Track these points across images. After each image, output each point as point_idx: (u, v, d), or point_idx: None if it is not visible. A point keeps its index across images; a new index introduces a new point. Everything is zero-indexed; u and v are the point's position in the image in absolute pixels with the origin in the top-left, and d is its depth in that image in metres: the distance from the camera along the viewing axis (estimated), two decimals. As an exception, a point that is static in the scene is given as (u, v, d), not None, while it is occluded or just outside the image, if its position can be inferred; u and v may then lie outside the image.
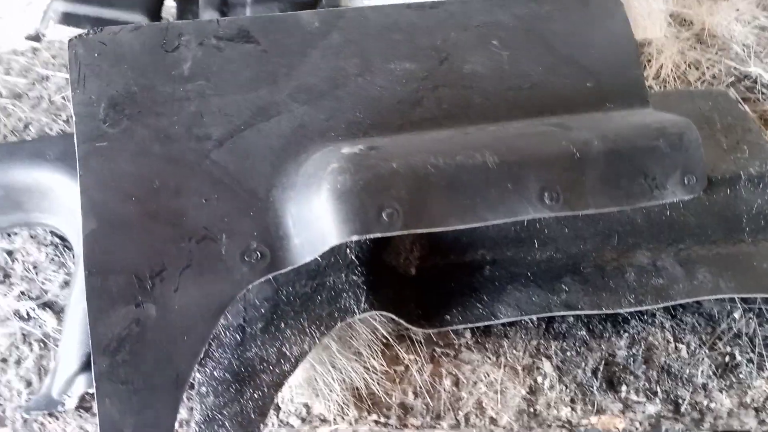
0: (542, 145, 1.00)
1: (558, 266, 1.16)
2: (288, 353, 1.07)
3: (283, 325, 1.09)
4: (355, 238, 0.91)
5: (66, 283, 1.27)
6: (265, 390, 1.05)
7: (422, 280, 1.18)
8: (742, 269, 1.13)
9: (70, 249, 1.30)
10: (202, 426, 1.03)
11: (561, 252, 1.17)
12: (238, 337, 1.10)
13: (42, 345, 1.22)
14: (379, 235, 0.92)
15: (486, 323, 1.13)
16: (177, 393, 0.92)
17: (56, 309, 1.25)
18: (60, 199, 1.24)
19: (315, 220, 0.94)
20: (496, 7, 1.15)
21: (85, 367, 1.10)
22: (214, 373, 1.07)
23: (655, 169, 1.01)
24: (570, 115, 1.09)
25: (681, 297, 1.09)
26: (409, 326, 1.11)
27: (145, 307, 0.92)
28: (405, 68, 1.09)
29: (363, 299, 1.09)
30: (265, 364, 1.07)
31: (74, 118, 0.97)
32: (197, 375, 1.08)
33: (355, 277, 1.11)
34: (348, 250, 1.14)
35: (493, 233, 1.18)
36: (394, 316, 1.10)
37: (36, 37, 1.65)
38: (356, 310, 1.08)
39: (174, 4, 1.59)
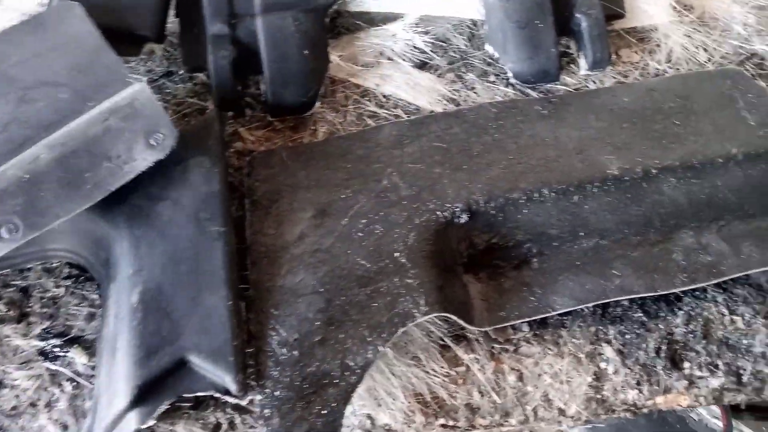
0: None
1: (606, 253, 1.17)
2: (352, 363, 1.03)
3: (342, 336, 1.06)
4: None
5: (92, 316, 1.20)
6: (333, 405, 1.01)
7: (473, 278, 1.17)
8: (785, 240, 1.16)
9: (91, 279, 1.23)
10: (273, 449, 0.98)
11: (606, 239, 1.18)
12: (295, 353, 1.06)
13: (74, 384, 1.14)
14: None
15: (543, 315, 1.12)
16: None
17: (85, 344, 1.18)
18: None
19: None
20: None
21: (136, 402, 1.03)
22: (275, 393, 1.03)
23: (116, 148, 1.03)
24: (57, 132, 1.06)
25: (732, 272, 1.11)
26: (467, 325, 1.10)
27: None
28: None
29: (422, 302, 1.06)
30: (329, 379, 1.03)
31: None
32: (257, 397, 1.03)
33: (409, 281, 1.09)
34: (397, 254, 1.12)
35: (536, 226, 1.18)
36: (454, 317, 1.08)
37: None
38: (416, 314, 1.05)
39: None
